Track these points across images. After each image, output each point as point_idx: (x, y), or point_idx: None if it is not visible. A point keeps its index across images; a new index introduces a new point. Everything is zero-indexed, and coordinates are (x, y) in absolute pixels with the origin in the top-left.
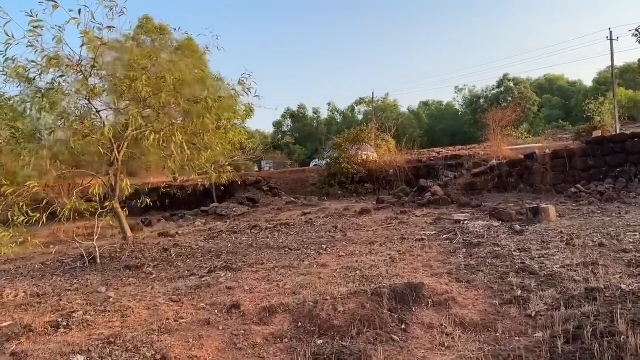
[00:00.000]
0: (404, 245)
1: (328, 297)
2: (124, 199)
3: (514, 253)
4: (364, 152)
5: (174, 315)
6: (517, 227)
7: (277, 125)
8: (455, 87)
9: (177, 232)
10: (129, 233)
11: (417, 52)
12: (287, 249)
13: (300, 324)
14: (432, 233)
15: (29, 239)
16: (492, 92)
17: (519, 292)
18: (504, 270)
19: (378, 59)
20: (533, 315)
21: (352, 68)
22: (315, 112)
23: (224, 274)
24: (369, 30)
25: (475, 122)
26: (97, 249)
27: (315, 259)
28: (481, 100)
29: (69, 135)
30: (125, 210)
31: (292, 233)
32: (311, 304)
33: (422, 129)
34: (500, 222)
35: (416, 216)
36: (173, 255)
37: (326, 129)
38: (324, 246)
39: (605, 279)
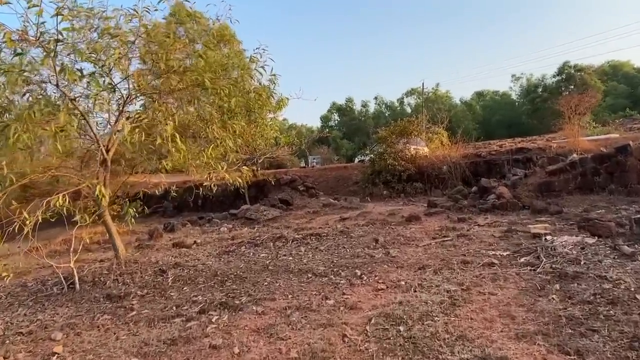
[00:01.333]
0: (467, 274)
1: None
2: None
3: (638, 296)
4: (412, 146)
5: None
6: (625, 247)
7: (324, 119)
8: (512, 76)
9: (195, 242)
10: (122, 249)
11: (470, 41)
12: (310, 275)
13: None
14: (504, 254)
15: (39, 248)
16: (552, 80)
17: None
18: (633, 331)
19: (429, 49)
20: None
21: (402, 59)
22: (364, 105)
23: (217, 315)
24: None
25: (534, 112)
26: (75, 273)
27: (344, 293)
28: (539, 89)
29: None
30: (161, 213)
31: (321, 248)
32: None
33: (475, 121)
34: (597, 237)
35: (479, 225)
36: (169, 280)
37: (374, 123)
38: (359, 271)
39: None
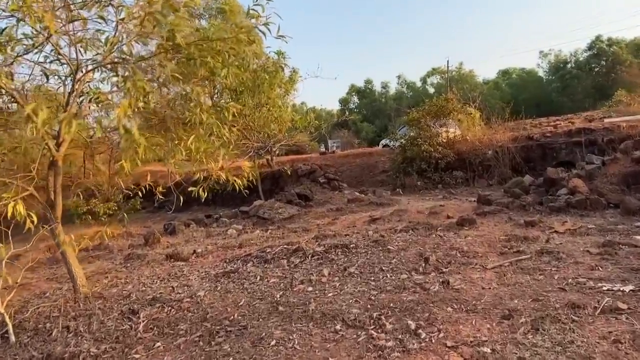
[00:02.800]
0: (587, 332)
1: None
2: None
3: None
4: (450, 129)
5: None
6: None
7: (343, 102)
8: (540, 52)
9: (194, 251)
10: (81, 279)
11: (494, 16)
12: (338, 325)
13: None
14: (626, 288)
15: None
16: (583, 55)
17: None
18: None
19: (451, 27)
20: None
21: (423, 37)
22: (384, 86)
23: None
24: None
25: (564, 89)
26: (8, 320)
27: None
28: (569, 66)
29: None
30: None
31: (351, 270)
32: None
33: (503, 100)
34: None
35: (558, 233)
36: (139, 328)
37: (395, 104)
38: (411, 321)
39: None
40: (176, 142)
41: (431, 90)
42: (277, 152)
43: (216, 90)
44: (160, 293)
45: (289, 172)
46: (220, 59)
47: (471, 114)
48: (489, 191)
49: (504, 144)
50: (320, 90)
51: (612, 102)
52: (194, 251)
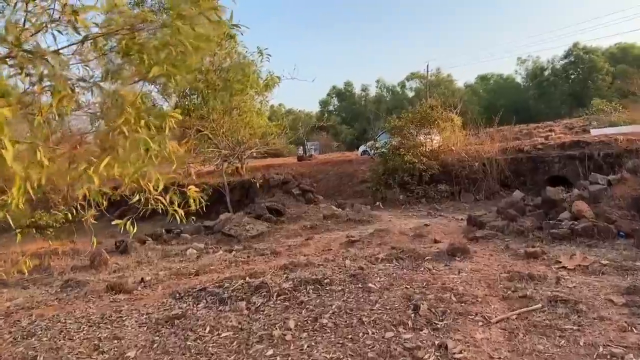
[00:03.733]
0: None
1: None
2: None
3: None
4: (428, 139)
5: None
6: None
7: (323, 104)
8: (518, 58)
9: (142, 280)
10: None
11: (472, 22)
12: None
13: None
14: None
15: None
16: (560, 62)
17: None
18: None
19: (430, 32)
20: None
21: (402, 43)
22: (364, 89)
23: None
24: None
25: (541, 96)
26: None
27: None
28: (546, 72)
29: None
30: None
31: (324, 320)
32: None
33: (481, 106)
34: None
35: (567, 270)
36: None
37: (374, 107)
38: None
39: None
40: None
41: (410, 94)
42: (247, 160)
43: (183, 91)
44: (77, 356)
45: (259, 184)
46: (165, 53)
47: (453, 121)
48: (478, 208)
49: (492, 155)
50: (300, 92)
51: (593, 110)
52: (142, 279)
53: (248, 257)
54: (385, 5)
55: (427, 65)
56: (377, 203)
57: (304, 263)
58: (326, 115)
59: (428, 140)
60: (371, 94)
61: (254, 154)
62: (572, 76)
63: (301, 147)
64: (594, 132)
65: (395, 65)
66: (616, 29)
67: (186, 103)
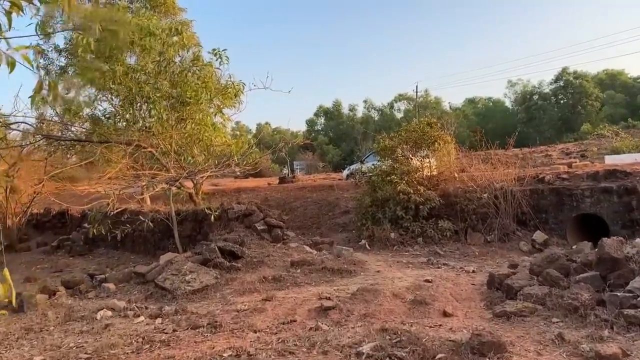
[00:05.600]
0: None
1: None
2: None
3: None
4: (426, 162)
5: None
6: None
7: (310, 123)
8: (508, 82)
9: None
10: None
11: (461, 45)
12: None
13: None
14: None
15: None
16: (550, 87)
17: None
18: None
19: (419, 54)
20: None
21: (391, 64)
22: (352, 109)
23: None
24: (408, 21)
25: (530, 121)
26: None
27: None
28: (535, 97)
29: None
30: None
31: None
32: None
33: (470, 129)
34: None
35: None
36: None
37: (362, 128)
38: None
39: None
40: None
41: (399, 115)
42: (200, 184)
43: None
44: None
45: (214, 217)
46: None
47: (450, 143)
48: (491, 253)
49: (505, 185)
50: (288, 110)
51: (593, 135)
52: None
53: (174, 330)
54: (374, 23)
55: (417, 86)
56: (363, 241)
57: (255, 338)
58: (313, 134)
59: (426, 165)
60: (359, 114)
61: (218, 174)
62: (562, 101)
63: (287, 167)
64: (611, 159)
65: (383, 86)
66: (603, 54)
67: (126, 115)
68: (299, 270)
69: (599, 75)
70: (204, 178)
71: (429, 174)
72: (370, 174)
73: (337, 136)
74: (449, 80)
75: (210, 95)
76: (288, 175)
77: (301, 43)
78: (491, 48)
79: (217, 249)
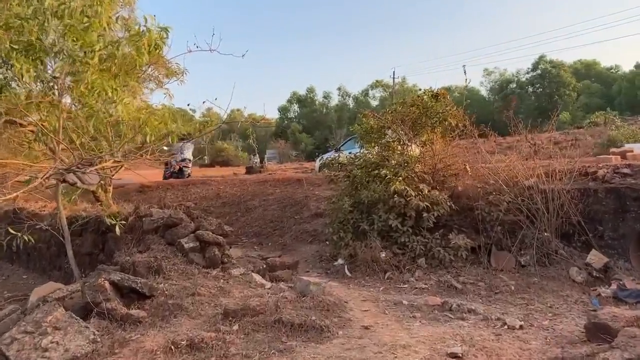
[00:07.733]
0: None
1: None
2: None
3: None
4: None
5: None
6: None
7: (283, 110)
8: (484, 70)
9: None
10: None
11: (435, 32)
12: None
13: None
14: None
15: None
16: (527, 75)
17: None
18: None
19: (393, 41)
20: None
21: (365, 50)
22: (326, 96)
23: None
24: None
25: (506, 110)
26: None
27: None
28: (512, 85)
29: None
30: None
31: None
32: None
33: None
34: None
35: None
36: None
37: (337, 116)
38: None
39: None
40: None
41: (374, 103)
42: (107, 178)
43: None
44: None
45: (121, 229)
46: None
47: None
48: (534, 285)
49: (539, 184)
50: (262, 97)
51: (590, 123)
52: None
53: None
54: (350, 10)
55: (394, 72)
56: (340, 262)
57: None
58: (285, 122)
59: (428, 152)
60: (333, 102)
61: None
62: (539, 90)
63: (252, 156)
64: (637, 147)
65: (358, 73)
66: (579, 40)
67: None
68: (236, 327)
69: (574, 65)
70: (115, 171)
71: (431, 167)
72: (351, 166)
73: (311, 124)
74: (425, 66)
75: (104, 41)
76: (257, 164)
77: (273, 32)
78: (466, 35)
79: (114, 282)
